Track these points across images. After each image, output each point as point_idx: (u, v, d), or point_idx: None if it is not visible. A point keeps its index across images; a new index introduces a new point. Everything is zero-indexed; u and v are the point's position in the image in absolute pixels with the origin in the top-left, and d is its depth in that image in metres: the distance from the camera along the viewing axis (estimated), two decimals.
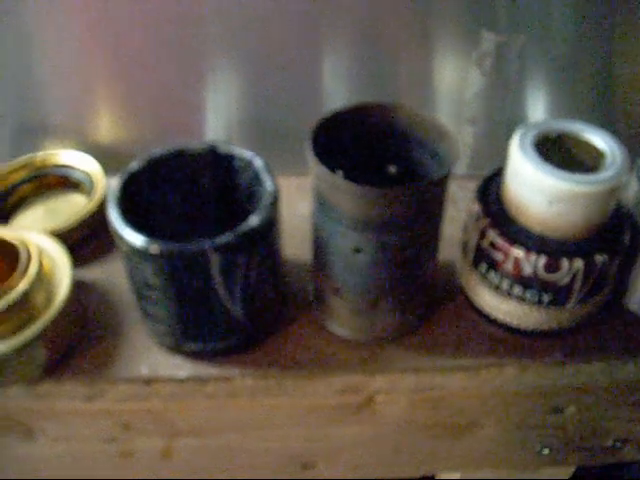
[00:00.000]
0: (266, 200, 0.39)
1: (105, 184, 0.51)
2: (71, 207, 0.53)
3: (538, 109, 0.53)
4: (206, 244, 0.37)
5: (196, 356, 0.43)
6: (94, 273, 0.49)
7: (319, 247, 0.42)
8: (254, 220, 0.38)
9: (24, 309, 0.42)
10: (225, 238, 0.37)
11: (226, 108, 0.57)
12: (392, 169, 0.44)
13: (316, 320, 0.46)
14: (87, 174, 0.53)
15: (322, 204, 0.39)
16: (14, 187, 0.53)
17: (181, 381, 0.43)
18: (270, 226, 0.39)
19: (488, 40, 0.50)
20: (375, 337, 0.44)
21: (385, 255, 0.39)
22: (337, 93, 0.55)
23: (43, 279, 0.43)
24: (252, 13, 0.50)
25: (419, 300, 0.44)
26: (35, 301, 0.42)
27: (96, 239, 0.51)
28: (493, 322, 0.44)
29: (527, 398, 0.46)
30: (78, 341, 0.45)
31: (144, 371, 0.43)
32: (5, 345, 0.41)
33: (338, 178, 0.37)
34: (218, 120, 0.57)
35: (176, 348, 0.43)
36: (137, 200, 0.41)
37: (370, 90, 0.53)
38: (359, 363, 0.43)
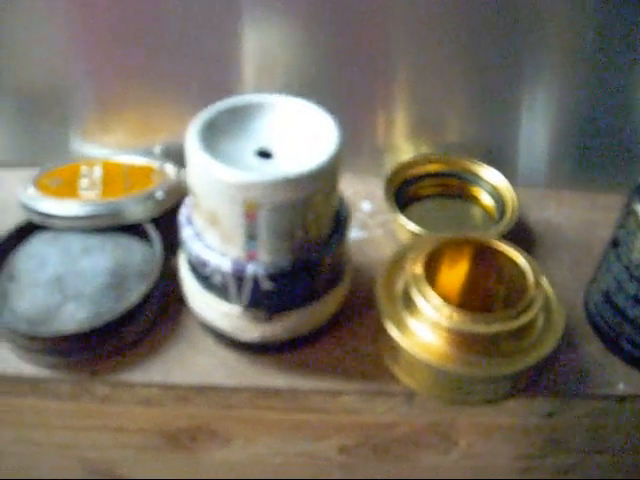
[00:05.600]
0: None
1: (517, 201, 0.49)
2: (467, 216, 0.51)
3: None
4: None
5: None
6: None
7: None
8: None
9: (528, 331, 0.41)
10: None
11: None
12: None
13: None
14: (493, 187, 0.50)
15: None
16: (416, 179, 0.51)
17: None
18: None
19: None
20: None
21: None
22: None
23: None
24: None
25: None
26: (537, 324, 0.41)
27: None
28: None
29: None
30: None
31: (620, 388, 0.43)
32: (498, 369, 0.40)
33: None
34: None
35: None
36: None
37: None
38: None
